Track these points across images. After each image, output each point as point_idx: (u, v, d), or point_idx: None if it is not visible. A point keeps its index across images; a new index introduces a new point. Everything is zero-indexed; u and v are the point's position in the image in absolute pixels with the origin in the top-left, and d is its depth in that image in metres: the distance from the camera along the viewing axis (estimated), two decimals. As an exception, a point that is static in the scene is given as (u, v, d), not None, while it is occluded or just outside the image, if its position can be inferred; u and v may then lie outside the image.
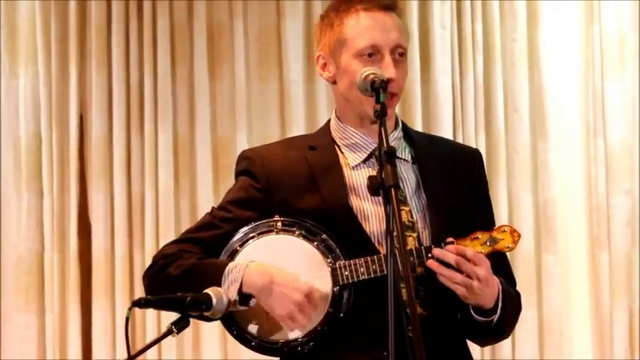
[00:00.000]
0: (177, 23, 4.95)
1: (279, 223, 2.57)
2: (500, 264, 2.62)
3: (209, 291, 2.44)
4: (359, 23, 2.59)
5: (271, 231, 2.57)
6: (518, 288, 2.71)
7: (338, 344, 2.52)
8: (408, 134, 2.69)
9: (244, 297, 2.50)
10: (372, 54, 2.56)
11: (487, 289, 2.48)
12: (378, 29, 2.57)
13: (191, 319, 2.46)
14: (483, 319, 2.53)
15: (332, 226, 2.54)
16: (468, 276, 2.45)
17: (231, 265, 2.51)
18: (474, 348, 2.68)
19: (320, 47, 2.68)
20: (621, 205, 4.79)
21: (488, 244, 2.54)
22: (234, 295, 2.48)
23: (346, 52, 2.59)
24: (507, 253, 2.66)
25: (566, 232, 4.86)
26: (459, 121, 4.84)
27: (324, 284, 2.51)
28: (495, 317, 2.52)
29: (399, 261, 2.24)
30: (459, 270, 2.46)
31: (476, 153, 2.78)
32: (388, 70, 2.53)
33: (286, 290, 2.47)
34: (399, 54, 2.57)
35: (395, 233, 2.24)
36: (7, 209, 4.96)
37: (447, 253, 2.47)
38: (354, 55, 2.58)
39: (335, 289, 2.50)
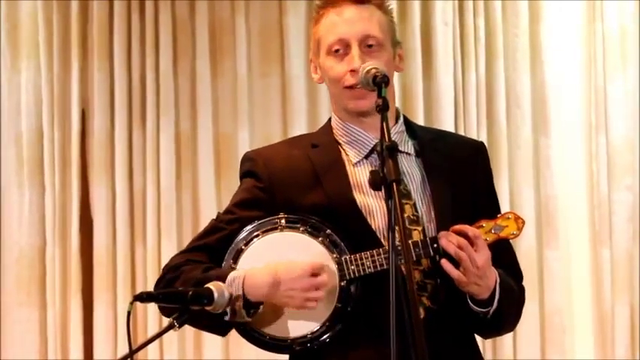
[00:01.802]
0: (179, 19, 4.96)
1: (283, 221, 2.57)
2: (506, 257, 2.64)
3: (210, 285, 2.45)
4: (327, 21, 2.63)
5: (275, 229, 2.57)
6: (520, 282, 2.72)
7: (344, 338, 2.52)
8: (411, 128, 2.70)
9: (249, 305, 2.50)
10: (340, 49, 2.59)
11: (484, 279, 2.48)
12: (343, 23, 2.60)
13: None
14: (479, 309, 2.53)
15: (337, 222, 2.54)
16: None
17: (229, 278, 2.51)
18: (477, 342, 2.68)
19: (310, 52, 2.73)
20: (623, 201, 4.80)
21: (493, 231, 2.54)
22: (240, 309, 2.49)
23: (322, 51, 2.64)
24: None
25: (568, 227, 4.86)
26: (460, 117, 4.85)
27: (330, 279, 2.51)
28: (491, 309, 2.52)
29: (402, 255, 2.25)
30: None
31: (480, 145, 2.78)
32: (352, 62, 2.56)
33: (291, 284, 2.47)
34: (368, 45, 2.58)
35: (397, 228, 2.24)
36: (8, 204, 4.97)
37: (452, 234, 2.47)
38: (327, 53, 2.62)
39: (342, 284, 2.51)
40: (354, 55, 2.56)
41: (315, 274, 2.48)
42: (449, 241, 2.47)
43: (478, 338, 2.68)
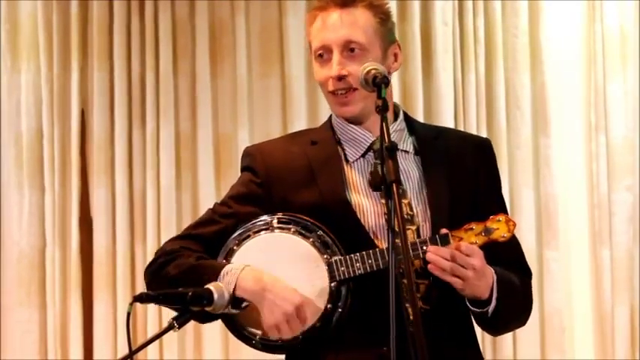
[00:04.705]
0: (179, 19, 4.96)
1: (275, 221, 2.58)
2: (512, 253, 2.64)
3: (210, 286, 2.45)
4: (314, 26, 2.64)
5: (267, 229, 2.58)
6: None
7: (338, 340, 2.52)
8: (411, 125, 2.70)
9: (237, 300, 2.51)
10: (323, 54, 2.60)
11: (482, 279, 2.48)
12: (326, 29, 2.60)
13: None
14: (479, 310, 2.53)
15: (330, 221, 2.54)
16: (463, 267, 2.45)
17: (226, 268, 2.52)
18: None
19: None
20: (623, 202, 4.79)
21: (483, 234, 2.53)
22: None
23: (312, 56, 2.66)
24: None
25: (568, 228, 4.86)
26: (460, 117, 4.84)
27: (321, 280, 2.51)
28: (490, 308, 2.52)
29: (400, 255, 2.25)
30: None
31: (485, 142, 2.78)
32: (332, 69, 2.57)
33: (278, 300, 2.48)
34: (351, 50, 2.58)
35: (396, 229, 2.24)
36: (8, 205, 4.97)
37: (441, 247, 2.47)
38: (314, 58, 2.64)
39: (332, 285, 2.51)
40: (333, 62, 2.58)
41: (299, 310, 2.49)
42: (437, 263, 2.45)
43: (478, 339, 2.68)
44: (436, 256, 2.45)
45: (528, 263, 4.66)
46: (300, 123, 4.85)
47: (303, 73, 4.90)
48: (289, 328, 2.49)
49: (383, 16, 2.64)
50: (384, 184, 2.29)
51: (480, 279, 2.47)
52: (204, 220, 2.68)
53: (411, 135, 2.68)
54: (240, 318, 2.55)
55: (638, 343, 4.75)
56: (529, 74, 4.89)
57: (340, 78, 2.57)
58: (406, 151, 2.65)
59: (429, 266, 2.45)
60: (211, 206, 2.71)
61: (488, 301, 2.51)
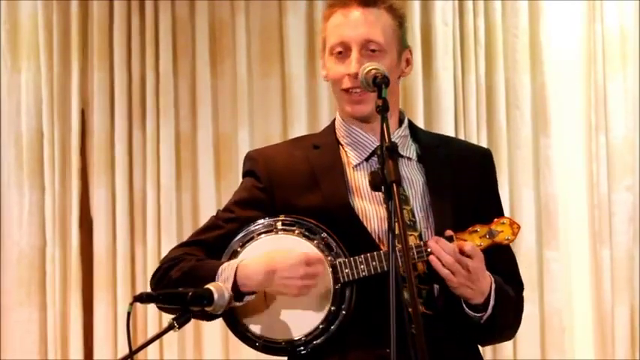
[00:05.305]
0: (179, 19, 4.96)
1: (279, 223, 2.58)
2: (507, 265, 2.64)
3: (210, 286, 2.46)
4: (333, 22, 2.63)
5: (271, 231, 2.58)
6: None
7: (340, 341, 2.52)
8: (415, 132, 2.70)
9: (239, 294, 2.51)
10: (341, 51, 2.59)
11: (477, 283, 2.48)
12: (346, 25, 2.60)
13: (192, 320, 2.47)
14: (473, 314, 2.53)
15: (333, 225, 2.55)
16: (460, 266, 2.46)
17: (223, 265, 2.53)
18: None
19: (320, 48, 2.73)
20: (623, 202, 4.80)
21: (487, 236, 2.53)
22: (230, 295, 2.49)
23: (326, 51, 2.64)
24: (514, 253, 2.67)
25: (568, 228, 4.86)
26: (460, 117, 4.85)
27: (325, 282, 2.52)
28: (485, 315, 2.52)
29: (399, 258, 2.25)
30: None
31: (486, 152, 2.79)
32: (349, 66, 2.56)
33: (286, 273, 2.48)
34: (371, 49, 2.58)
35: (397, 230, 2.24)
36: (8, 205, 4.97)
37: (444, 240, 2.47)
38: (330, 54, 2.63)
39: (336, 287, 2.51)
40: (352, 59, 2.57)
41: (309, 264, 2.48)
42: (438, 254, 2.46)
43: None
44: (438, 247, 2.46)
45: (528, 264, 4.72)
46: (300, 123, 4.85)
47: (303, 73, 4.90)
48: (313, 283, 2.49)
49: (400, 20, 2.65)
50: (384, 184, 2.28)
51: (474, 282, 2.47)
52: (207, 226, 2.68)
53: (415, 142, 2.68)
54: (241, 319, 2.56)
55: (638, 343, 4.75)
56: (529, 74, 4.89)
57: (357, 77, 2.55)
58: (409, 158, 2.65)
59: (430, 257, 2.46)
60: (214, 213, 2.72)
61: (484, 307, 2.51)
